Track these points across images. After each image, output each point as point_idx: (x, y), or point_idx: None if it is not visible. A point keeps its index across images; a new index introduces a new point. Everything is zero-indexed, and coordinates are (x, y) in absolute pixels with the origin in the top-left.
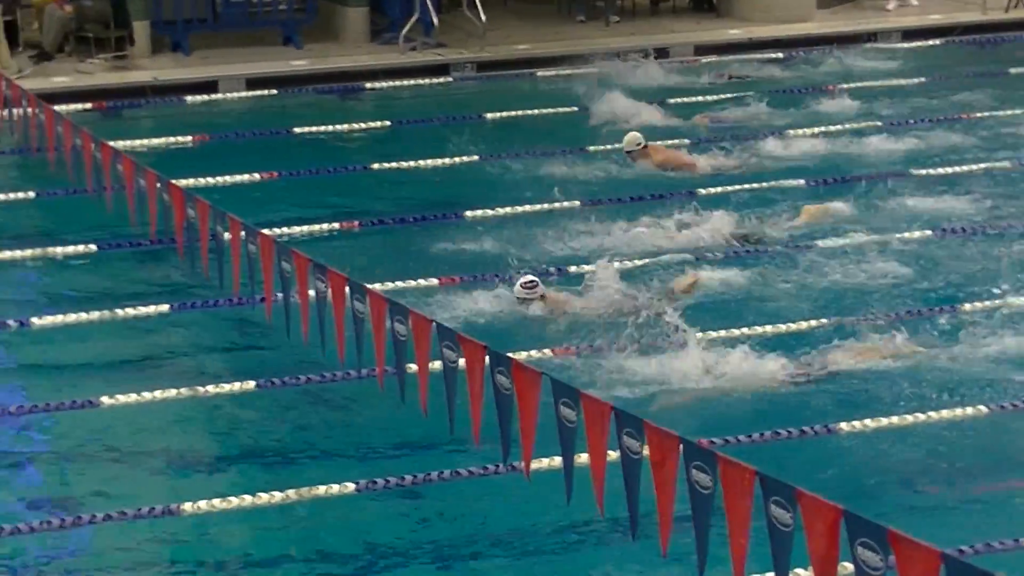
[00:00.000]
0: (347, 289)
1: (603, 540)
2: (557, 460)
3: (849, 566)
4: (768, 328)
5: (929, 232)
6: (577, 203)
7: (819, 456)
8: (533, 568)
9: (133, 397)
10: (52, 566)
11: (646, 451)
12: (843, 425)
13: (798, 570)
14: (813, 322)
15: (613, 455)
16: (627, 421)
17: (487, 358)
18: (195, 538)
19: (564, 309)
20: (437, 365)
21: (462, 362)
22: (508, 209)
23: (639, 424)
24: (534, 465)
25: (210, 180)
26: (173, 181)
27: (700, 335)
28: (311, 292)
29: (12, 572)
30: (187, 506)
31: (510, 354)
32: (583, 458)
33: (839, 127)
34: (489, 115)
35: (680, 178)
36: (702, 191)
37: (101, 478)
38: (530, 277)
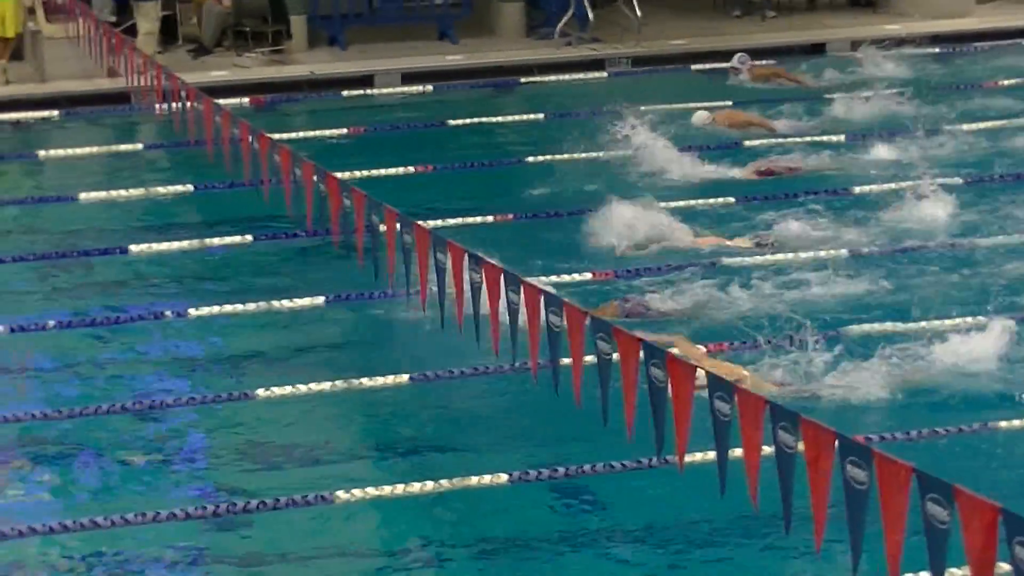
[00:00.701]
0: (502, 280)
1: (755, 535)
2: (710, 454)
3: (1007, 566)
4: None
5: None
6: (732, 200)
7: (976, 453)
8: (685, 561)
9: (288, 389)
10: (208, 553)
11: (800, 446)
12: (1002, 424)
13: (953, 570)
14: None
15: (767, 450)
16: (782, 415)
17: (641, 350)
18: (348, 527)
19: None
20: (590, 358)
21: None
22: (663, 205)
23: (795, 418)
24: (687, 458)
25: (365, 173)
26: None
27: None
28: (466, 283)
29: (168, 557)
30: (340, 494)
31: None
32: (736, 452)
33: (994, 124)
34: (644, 109)
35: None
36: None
37: (255, 468)
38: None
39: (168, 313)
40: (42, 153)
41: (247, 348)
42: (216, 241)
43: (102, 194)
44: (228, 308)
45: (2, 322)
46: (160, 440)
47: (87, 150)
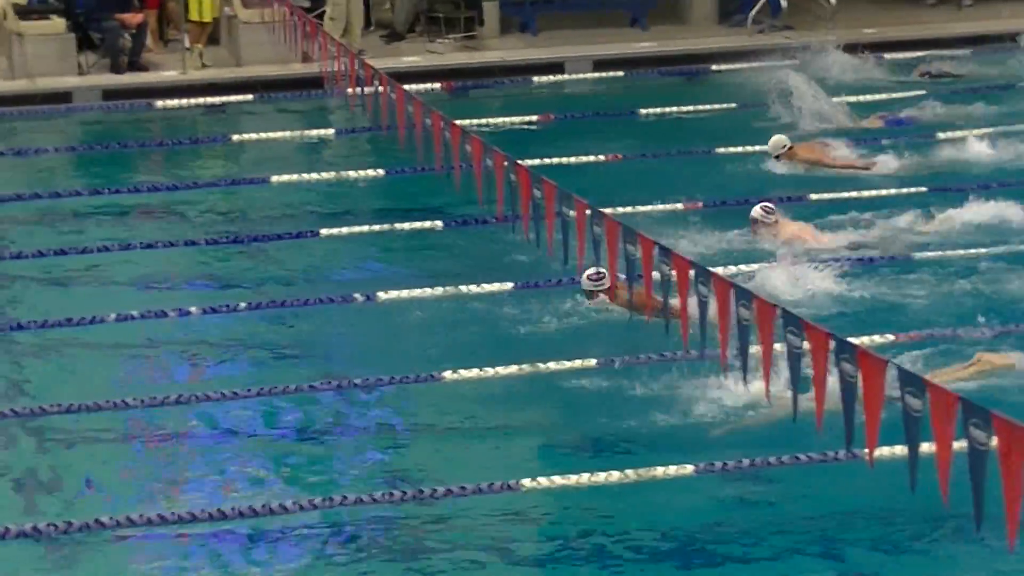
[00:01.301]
0: (691, 273)
1: (945, 530)
2: (898, 449)
3: None
4: None
5: None
6: (924, 189)
7: None
8: (875, 556)
9: (475, 372)
10: (393, 537)
11: (994, 442)
12: None
13: None
14: None
15: (957, 446)
16: (974, 411)
17: (832, 344)
18: (534, 514)
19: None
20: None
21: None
22: (853, 193)
23: (987, 415)
24: (875, 452)
25: (555, 160)
26: (520, 161)
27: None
28: (655, 275)
29: (355, 542)
30: (526, 482)
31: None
32: (925, 447)
33: None
34: (836, 100)
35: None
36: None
37: (442, 452)
38: (596, 269)
39: (357, 296)
40: (236, 137)
41: (434, 331)
42: (406, 226)
43: (294, 177)
44: (416, 292)
45: (196, 304)
46: (345, 422)
47: (280, 134)
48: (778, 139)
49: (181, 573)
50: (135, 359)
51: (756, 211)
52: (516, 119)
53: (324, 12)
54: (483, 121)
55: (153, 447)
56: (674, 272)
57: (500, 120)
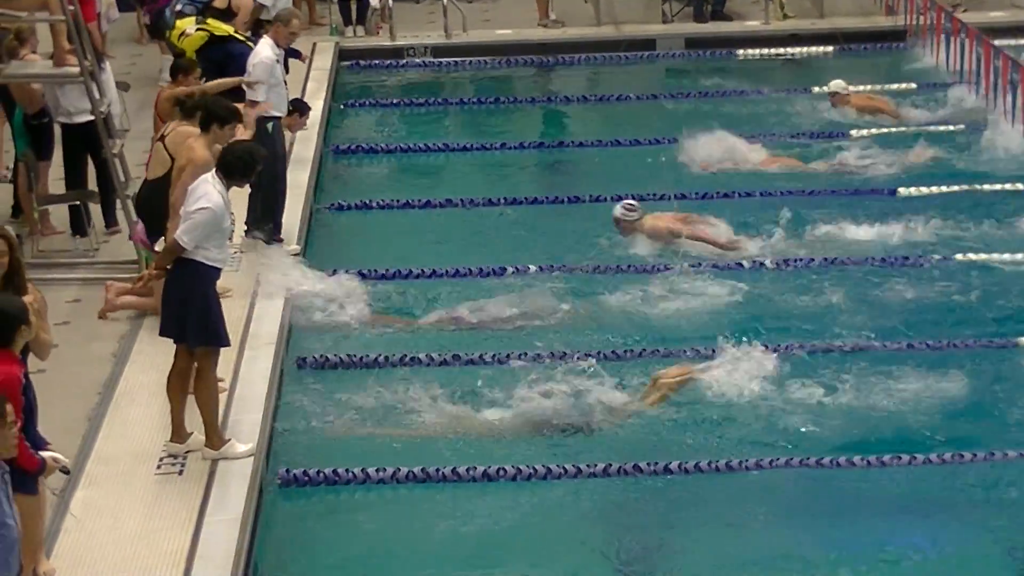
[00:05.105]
0: None
1: None
2: None
3: None
4: None
5: None
6: None
7: None
8: None
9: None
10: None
11: None
12: None
13: None
14: None
15: None
16: None
17: None
18: None
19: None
20: None
21: None
22: None
23: None
24: None
25: None
26: None
27: None
28: None
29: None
30: None
31: None
32: None
33: None
34: None
35: None
36: None
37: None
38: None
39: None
40: (816, 89)
41: (1011, 296)
42: (985, 187)
43: (872, 132)
44: (995, 256)
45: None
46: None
47: (860, 88)
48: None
49: None
50: None
51: (617, 210)
52: None
53: None
54: None
55: None
56: None
57: None
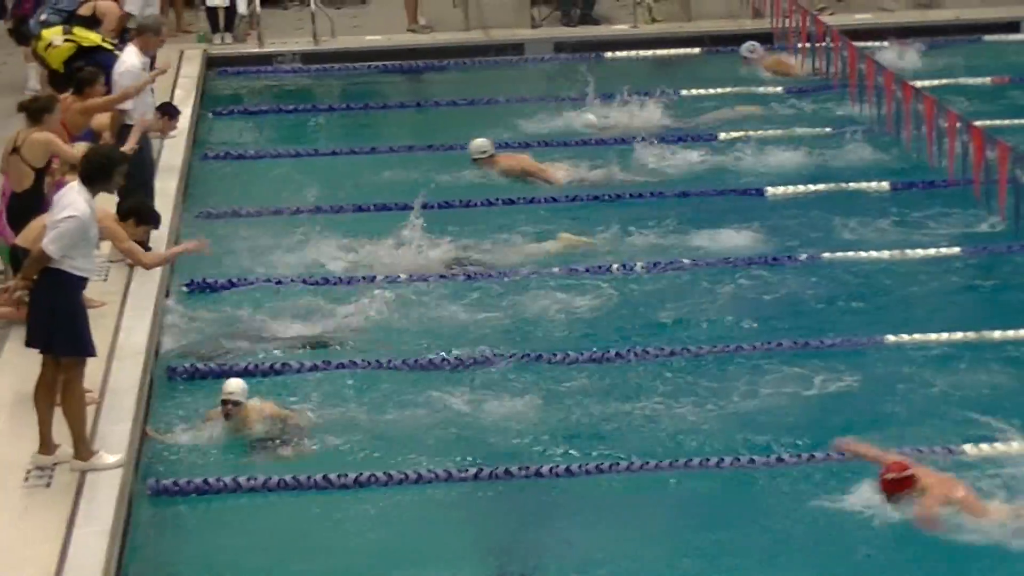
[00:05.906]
0: None
1: None
2: None
3: None
4: None
5: None
6: None
7: None
8: None
9: (917, 337)
10: None
11: None
12: None
13: None
14: None
15: None
16: None
17: None
18: None
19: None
20: None
21: None
22: None
23: None
24: None
25: (1006, 122)
26: (973, 122)
27: None
28: None
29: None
30: (967, 448)
31: None
32: None
33: None
34: None
35: None
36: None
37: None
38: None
39: (803, 257)
40: (684, 92)
41: (877, 294)
42: (852, 185)
43: (739, 133)
44: (862, 254)
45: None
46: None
47: (725, 89)
48: (479, 143)
49: None
50: None
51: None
52: (968, 81)
53: None
54: (934, 82)
55: None
56: None
57: (951, 81)
